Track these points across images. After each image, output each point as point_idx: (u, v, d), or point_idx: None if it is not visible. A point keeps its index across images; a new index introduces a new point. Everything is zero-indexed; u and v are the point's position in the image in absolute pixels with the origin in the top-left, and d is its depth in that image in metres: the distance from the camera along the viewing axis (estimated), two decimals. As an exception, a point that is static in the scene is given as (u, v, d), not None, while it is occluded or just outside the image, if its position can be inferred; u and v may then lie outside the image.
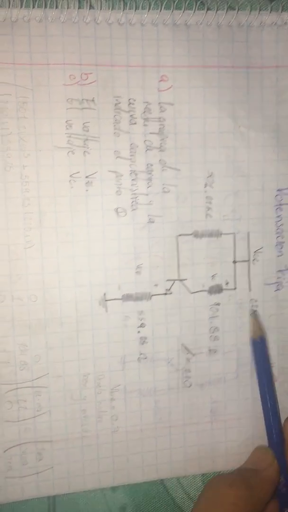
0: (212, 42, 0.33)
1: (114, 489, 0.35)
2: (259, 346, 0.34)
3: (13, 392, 0.32)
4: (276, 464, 0.33)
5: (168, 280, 0.34)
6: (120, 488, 0.35)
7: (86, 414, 0.33)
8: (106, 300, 0.33)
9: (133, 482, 0.35)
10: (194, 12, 0.32)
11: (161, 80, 0.32)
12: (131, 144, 0.32)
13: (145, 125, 0.33)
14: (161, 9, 0.31)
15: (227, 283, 0.35)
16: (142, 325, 0.34)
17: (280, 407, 0.35)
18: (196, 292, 0.34)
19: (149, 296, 0.34)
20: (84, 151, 0.32)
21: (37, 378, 0.33)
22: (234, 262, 0.35)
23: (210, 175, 0.34)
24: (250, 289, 0.35)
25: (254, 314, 0.35)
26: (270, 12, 0.33)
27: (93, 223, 0.33)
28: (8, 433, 0.32)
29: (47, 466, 0.33)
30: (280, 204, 0.35)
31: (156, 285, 0.34)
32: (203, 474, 0.36)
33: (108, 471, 0.34)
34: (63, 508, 0.35)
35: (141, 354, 0.34)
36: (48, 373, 0.33)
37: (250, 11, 0.33)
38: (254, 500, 0.30)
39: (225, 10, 0.32)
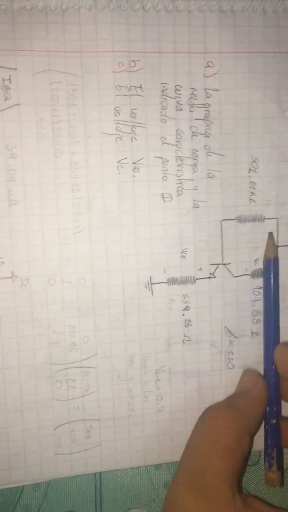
0: (258, 28, 0.33)
1: (157, 466, 0.36)
2: (274, 266, 0.34)
3: (62, 372, 0.33)
4: (263, 382, 0.33)
5: (212, 264, 0.35)
6: (164, 465, 0.36)
7: (132, 393, 0.34)
8: (152, 284, 0.34)
9: (177, 460, 0.35)
10: (240, -2, 0.32)
11: (207, 66, 0.33)
12: (177, 130, 0.33)
13: (191, 111, 0.33)
14: (208, -4, 0.32)
15: (269, 267, 0.35)
16: (186, 308, 0.35)
17: None
18: (239, 276, 0.35)
19: (193, 280, 0.35)
20: (132, 137, 0.33)
21: (85, 359, 0.34)
22: (277, 246, 0.35)
23: (254, 161, 0.34)
24: (292, 273, 0.35)
25: (271, 236, 0.35)
26: (315, -3, 0.33)
27: (140, 208, 0.33)
28: (58, 412, 0.34)
29: (95, 443, 0.34)
30: None
31: (200, 269, 0.35)
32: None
33: (153, 449, 0.35)
34: (108, 485, 0.36)
35: (185, 336, 0.35)
36: (96, 354, 0.34)
37: (296, -4, 0.33)
38: (242, 419, 0.31)
39: (271, -5, 0.32)
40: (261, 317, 0.35)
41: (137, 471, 0.36)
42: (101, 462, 0.35)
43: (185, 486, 0.29)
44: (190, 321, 0.35)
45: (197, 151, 0.33)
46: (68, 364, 0.33)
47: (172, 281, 0.34)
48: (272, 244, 0.34)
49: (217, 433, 0.30)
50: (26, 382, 0.33)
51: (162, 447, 0.35)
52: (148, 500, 0.36)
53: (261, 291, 0.35)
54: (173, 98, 0.33)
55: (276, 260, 0.34)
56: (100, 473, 0.36)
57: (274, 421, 0.33)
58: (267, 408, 0.33)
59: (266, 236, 0.35)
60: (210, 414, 0.32)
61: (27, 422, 0.33)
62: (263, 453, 0.34)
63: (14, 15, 0.30)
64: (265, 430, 0.34)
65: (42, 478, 0.34)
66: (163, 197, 0.33)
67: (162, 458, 0.35)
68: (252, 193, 0.34)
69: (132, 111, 0.32)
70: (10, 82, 0.31)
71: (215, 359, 0.35)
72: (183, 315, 0.35)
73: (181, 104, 0.33)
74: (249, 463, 0.36)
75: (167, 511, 0.29)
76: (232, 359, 0.35)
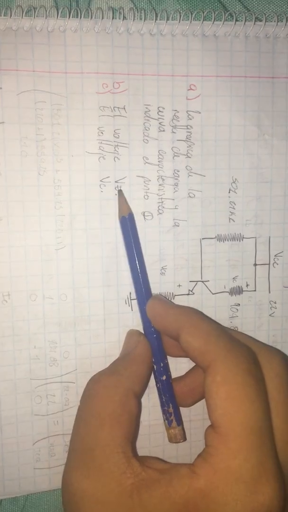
0: (240, 52, 0.34)
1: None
2: (130, 222, 0.33)
3: (42, 387, 0.34)
4: (144, 340, 0.32)
5: (191, 281, 0.35)
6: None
7: (111, 408, 0.35)
8: (132, 299, 0.35)
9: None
10: (223, 23, 0.33)
11: (189, 89, 0.34)
12: (159, 150, 0.34)
13: (173, 132, 0.34)
14: (191, 21, 0.33)
15: (247, 285, 0.36)
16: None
17: None
18: (218, 293, 0.36)
19: (172, 296, 0.35)
20: (115, 157, 0.33)
21: (65, 374, 0.34)
22: (255, 265, 0.36)
23: (234, 181, 0.35)
24: (269, 291, 0.36)
25: (120, 193, 0.33)
26: (295, 24, 0.34)
27: (121, 226, 0.34)
28: (37, 427, 0.34)
29: (74, 457, 0.35)
30: (301, 210, 0.36)
31: (179, 285, 0.35)
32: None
33: (131, 463, 0.36)
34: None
35: (164, 351, 0.35)
36: (76, 369, 0.34)
37: (277, 22, 0.34)
38: (124, 382, 0.30)
39: (253, 21, 0.33)
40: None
41: (115, 484, 0.36)
42: (79, 475, 0.35)
43: (76, 468, 0.28)
44: (169, 337, 0.35)
45: (178, 171, 0.34)
46: (48, 379, 0.34)
47: (152, 297, 0.35)
48: (124, 201, 0.33)
49: (99, 404, 0.29)
50: (6, 397, 0.33)
51: (139, 461, 0.36)
52: (125, 513, 0.37)
53: (239, 308, 0.36)
54: (155, 119, 0.33)
55: (131, 216, 0.33)
56: (78, 486, 0.36)
57: (164, 378, 0.33)
58: (154, 367, 0.33)
59: (245, 255, 0.36)
60: (91, 385, 0.30)
61: (5, 437, 0.33)
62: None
63: (0, 35, 0.31)
64: (157, 388, 0.34)
65: (20, 492, 0.34)
66: (144, 216, 0.34)
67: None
68: (232, 212, 0.35)
69: (116, 131, 0.33)
70: (-5, 101, 0.31)
71: (193, 374, 0.36)
72: (163, 331, 0.35)
73: (164, 125, 0.34)
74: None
75: (65, 503, 0.28)
76: (210, 375, 0.36)
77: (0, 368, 0.33)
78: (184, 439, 0.34)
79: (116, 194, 0.33)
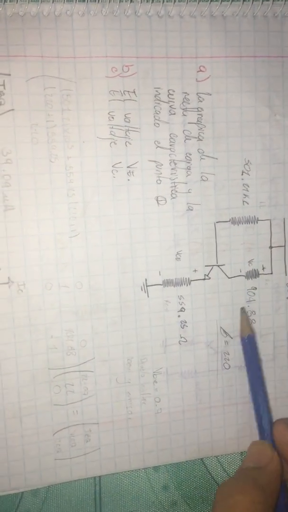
0: (248, 32, 0.33)
1: (156, 469, 0.36)
2: (250, 344, 0.35)
3: (61, 377, 0.33)
4: (277, 456, 0.32)
5: (206, 265, 0.35)
6: (162, 468, 0.36)
7: (131, 396, 0.35)
8: (148, 286, 0.34)
9: (176, 461, 0.36)
10: (230, 3, 0.33)
11: (199, 71, 0.33)
12: (171, 134, 0.33)
13: (184, 115, 0.33)
14: (198, 1, 0.32)
15: (263, 268, 0.36)
16: (182, 310, 0.35)
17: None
18: (234, 277, 0.35)
19: (188, 281, 0.35)
20: (126, 142, 0.33)
21: (83, 363, 0.34)
22: (270, 247, 0.36)
23: (247, 163, 0.35)
24: (286, 274, 0.36)
25: (243, 311, 0.35)
26: (303, 2, 0.34)
27: (135, 211, 0.33)
28: (57, 417, 0.34)
29: (94, 447, 0.34)
30: (314, 190, 0.36)
31: (195, 270, 0.35)
32: (241, 452, 0.37)
33: (152, 451, 0.35)
34: (108, 488, 0.36)
35: (181, 337, 0.35)
36: (94, 358, 0.34)
37: (285, 1, 0.33)
38: (268, 499, 0.30)
39: (260, 1, 0.33)
40: (255, 317, 0.36)
41: (136, 474, 0.36)
42: (100, 466, 0.35)
43: None
44: (186, 322, 0.35)
45: (190, 154, 0.34)
46: (66, 368, 0.33)
47: (167, 283, 0.35)
48: (245, 320, 0.35)
49: None
50: (24, 388, 0.33)
51: (160, 449, 0.35)
52: (147, 503, 0.36)
53: (255, 291, 0.36)
54: (166, 102, 0.33)
55: (251, 338, 0.35)
56: (100, 476, 0.36)
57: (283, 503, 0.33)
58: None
59: (260, 237, 0.35)
60: (239, 496, 0.29)
61: (26, 428, 0.33)
62: None
63: (7, 21, 0.30)
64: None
65: (41, 483, 0.34)
66: (157, 200, 0.34)
67: (161, 460, 0.36)
68: (245, 195, 0.35)
69: (126, 115, 0.33)
70: (4, 88, 0.31)
71: (212, 359, 0.36)
72: (179, 316, 0.35)
73: (174, 108, 0.33)
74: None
75: None
76: (228, 359, 0.36)
77: (17, 359, 0.32)
78: None
79: (128, 180, 0.33)
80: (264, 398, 0.34)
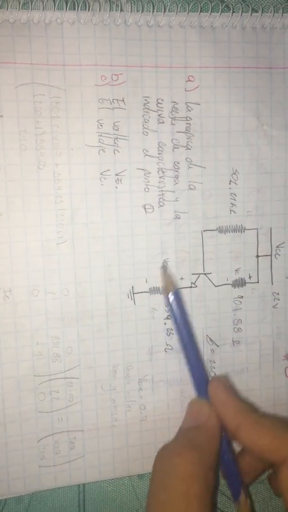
0: (237, 43, 0.34)
1: (141, 476, 0.36)
2: (176, 300, 0.33)
3: (46, 384, 0.33)
4: (214, 414, 0.31)
5: (193, 274, 0.35)
6: (147, 475, 0.36)
7: (116, 403, 0.35)
8: (134, 293, 0.34)
9: (160, 469, 0.36)
10: (220, 14, 0.33)
11: (188, 81, 0.33)
12: (159, 142, 0.34)
13: (172, 124, 0.34)
14: (188, 12, 0.32)
15: (250, 277, 0.36)
16: (168, 317, 0.35)
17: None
18: (221, 285, 0.36)
19: (175, 290, 0.35)
20: (114, 150, 0.33)
21: (69, 370, 0.34)
22: (257, 256, 0.36)
23: (235, 173, 0.35)
24: (272, 283, 0.36)
25: (164, 268, 0.34)
26: (292, 15, 0.34)
27: (122, 219, 0.34)
28: (42, 424, 0.33)
29: (79, 454, 0.34)
30: (301, 200, 0.36)
31: (181, 278, 0.35)
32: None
33: (137, 459, 0.35)
34: (92, 496, 0.36)
35: (167, 345, 0.35)
36: (79, 365, 0.34)
37: (273, 13, 0.34)
38: (207, 459, 0.29)
39: (249, 12, 0.33)
40: (241, 325, 0.36)
41: (121, 482, 0.36)
42: (85, 473, 0.35)
43: None
44: (172, 330, 0.35)
45: (178, 163, 0.34)
46: (52, 375, 0.33)
47: (154, 290, 0.35)
48: (167, 276, 0.34)
49: (184, 483, 0.28)
50: (9, 394, 0.33)
51: (145, 457, 0.35)
52: (131, 511, 0.36)
53: (242, 300, 0.36)
54: (155, 111, 0.33)
55: (177, 293, 0.33)
56: (84, 484, 0.35)
57: (226, 457, 0.32)
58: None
59: (247, 246, 0.36)
60: (175, 459, 0.29)
61: (10, 435, 0.33)
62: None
63: (-3, 28, 0.30)
64: (223, 461, 0.32)
65: (25, 491, 0.34)
66: (145, 208, 0.34)
67: (146, 468, 0.35)
68: (233, 204, 0.35)
69: (115, 123, 0.33)
70: (-7, 94, 0.31)
71: (197, 368, 0.36)
72: (165, 324, 0.35)
73: (163, 117, 0.33)
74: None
75: None
76: (214, 368, 0.36)
77: (2, 366, 0.32)
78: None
79: (116, 188, 0.33)
80: (197, 355, 0.33)
